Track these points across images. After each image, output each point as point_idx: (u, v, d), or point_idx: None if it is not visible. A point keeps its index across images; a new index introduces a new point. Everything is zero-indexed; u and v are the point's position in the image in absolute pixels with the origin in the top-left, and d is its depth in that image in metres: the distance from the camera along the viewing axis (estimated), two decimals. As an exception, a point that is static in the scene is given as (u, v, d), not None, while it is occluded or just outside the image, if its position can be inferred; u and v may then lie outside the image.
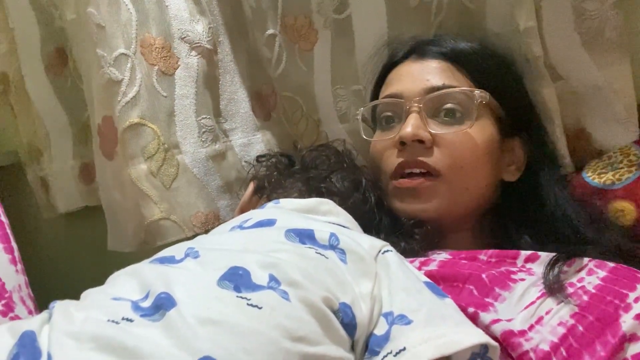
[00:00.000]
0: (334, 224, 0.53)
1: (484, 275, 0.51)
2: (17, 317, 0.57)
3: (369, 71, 0.76)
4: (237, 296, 0.39)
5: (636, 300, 0.47)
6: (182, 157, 0.82)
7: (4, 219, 0.66)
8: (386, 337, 0.41)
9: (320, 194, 0.59)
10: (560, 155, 0.68)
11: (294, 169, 0.64)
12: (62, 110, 1.02)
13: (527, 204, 0.63)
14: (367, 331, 0.43)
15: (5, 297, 0.58)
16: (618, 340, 0.44)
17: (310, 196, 0.58)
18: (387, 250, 0.49)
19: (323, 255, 0.45)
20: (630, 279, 0.50)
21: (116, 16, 0.79)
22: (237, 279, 0.41)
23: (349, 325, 0.42)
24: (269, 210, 0.56)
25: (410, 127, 0.61)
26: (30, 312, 0.59)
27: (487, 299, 0.49)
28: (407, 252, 0.56)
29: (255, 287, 0.40)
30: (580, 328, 0.46)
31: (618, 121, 0.67)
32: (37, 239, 1.17)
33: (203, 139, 0.84)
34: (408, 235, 0.60)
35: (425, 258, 0.56)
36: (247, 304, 0.39)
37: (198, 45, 0.85)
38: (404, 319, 0.42)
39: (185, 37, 0.84)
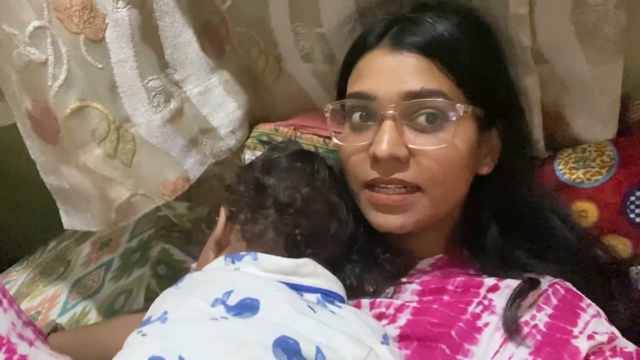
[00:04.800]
0: (315, 289, 0.53)
1: (453, 333, 0.53)
2: (23, 358, 0.59)
3: (337, 39, 0.67)
4: None
5: (580, 332, 0.52)
6: (136, 130, 0.74)
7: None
8: None
9: (295, 244, 0.56)
10: (534, 141, 0.65)
11: (265, 202, 0.58)
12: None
13: (499, 192, 0.61)
14: None
15: (4, 344, 0.59)
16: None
17: (285, 244, 0.57)
18: None
19: None
20: (572, 315, 0.53)
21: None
22: None
23: None
24: (249, 279, 0.53)
25: (385, 143, 0.55)
26: (31, 343, 0.61)
27: (458, 357, 0.52)
28: (383, 283, 0.59)
29: None
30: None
31: (599, 117, 0.63)
32: None
33: (154, 104, 0.75)
34: (382, 267, 0.61)
35: (401, 302, 0.57)
36: None
37: (124, -9, 0.69)
38: None
39: (106, -14, 0.68)
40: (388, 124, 0.56)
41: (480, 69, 0.58)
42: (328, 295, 0.54)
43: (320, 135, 0.81)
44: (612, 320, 0.55)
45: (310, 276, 0.54)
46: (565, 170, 0.66)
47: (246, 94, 0.87)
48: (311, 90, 0.85)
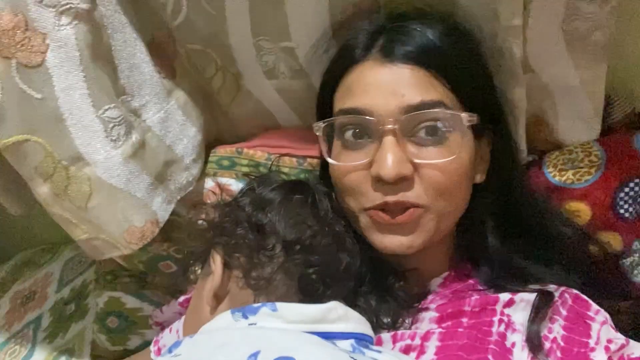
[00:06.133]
0: (348, 334, 0.48)
1: (490, 357, 0.51)
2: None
3: (311, 57, 0.65)
4: None
5: (596, 343, 0.52)
6: (91, 170, 0.62)
7: None
8: None
9: (310, 284, 0.51)
10: (519, 150, 0.66)
11: (268, 242, 0.52)
12: None
13: (494, 200, 0.61)
14: None
15: None
16: None
17: (300, 287, 0.51)
18: None
19: None
20: (583, 326, 0.54)
21: None
22: None
23: None
24: (274, 334, 0.46)
25: (390, 162, 0.52)
26: None
27: None
28: (399, 313, 0.56)
29: None
30: None
31: (583, 120, 0.65)
32: None
33: (113, 137, 0.63)
34: (397, 295, 0.58)
35: (425, 331, 0.55)
36: None
37: (67, 6, 0.58)
38: None
39: (44, 0, 0.57)
40: (389, 140, 0.54)
41: (472, 76, 0.57)
42: (361, 340, 0.49)
43: (292, 155, 0.76)
44: (616, 319, 0.56)
45: (339, 321, 0.48)
46: (555, 172, 0.68)
47: (201, 116, 0.79)
48: (274, 108, 0.79)
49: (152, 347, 0.64)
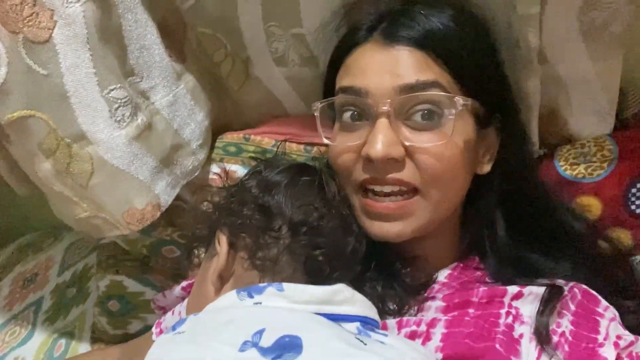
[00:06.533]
0: (353, 317, 0.47)
1: (497, 346, 0.50)
2: None
3: (320, 39, 0.63)
4: None
5: (605, 339, 0.52)
6: (93, 149, 0.62)
7: None
8: None
9: (317, 266, 0.51)
10: (530, 142, 0.65)
11: (274, 224, 0.52)
12: None
13: (501, 192, 0.60)
14: None
15: None
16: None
17: (306, 268, 0.51)
18: None
19: None
20: (592, 322, 0.53)
21: None
22: None
23: None
24: (280, 313, 0.46)
25: (380, 143, 0.52)
26: None
27: None
28: (406, 299, 0.56)
29: None
30: None
31: (598, 113, 0.64)
32: None
33: (117, 118, 0.62)
34: (404, 281, 0.57)
35: (431, 318, 0.54)
36: None
37: (76, -18, 0.58)
38: None
39: (52, -24, 0.56)
40: (382, 122, 0.53)
41: (477, 62, 0.56)
42: (367, 323, 0.49)
43: (299, 142, 0.76)
44: (623, 318, 0.55)
45: (346, 304, 0.48)
46: (566, 166, 0.67)
47: (209, 101, 0.78)
48: (283, 96, 0.78)
49: (155, 329, 0.63)
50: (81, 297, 0.92)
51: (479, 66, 0.56)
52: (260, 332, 0.42)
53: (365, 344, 0.44)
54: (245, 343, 0.41)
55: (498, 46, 0.59)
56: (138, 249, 0.85)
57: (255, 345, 0.41)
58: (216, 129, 0.81)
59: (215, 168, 0.79)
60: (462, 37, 0.55)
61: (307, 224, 0.52)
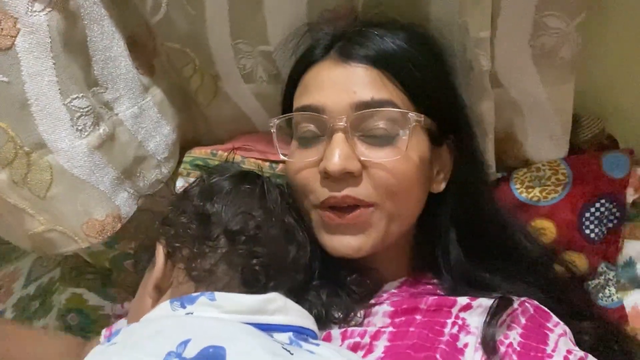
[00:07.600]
0: (286, 327, 0.47)
1: (438, 356, 0.50)
2: None
3: (282, 56, 0.65)
4: None
5: (553, 350, 0.52)
6: (53, 158, 0.61)
7: None
8: None
9: (254, 276, 0.50)
10: (485, 164, 0.66)
11: (212, 233, 0.51)
12: None
13: (454, 211, 0.60)
14: None
15: None
16: None
17: (243, 278, 0.50)
18: None
19: None
20: (541, 334, 0.53)
21: None
22: None
23: None
24: (207, 323, 0.45)
25: (337, 157, 0.53)
26: None
27: None
28: (352, 307, 0.55)
29: None
30: None
31: (552, 137, 0.65)
32: None
33: (79, 127, 0.62)
34: (350, 290, 0.57)
35: (376, 329, 0.54)
36: None
37: (42, -8, 0.59)
38: None
39: (18, -15, 0.57)
40: (339, 137, 0.54)
41: (430, 82, 0.58)
42: (300, 333, 0.48)
43: (264, 160, 0.76)
44: (578, 338, 0.56)
45: (278, 313, 0.48)
46: (522, 189, 0.68)
47: (178, 116, 0.78)
48: (252, 112, 0.79)
49: (104, 332, 0.63)
50: (44, 310, 0.90)
51: (432, 86, 0.58)
52: (185, 343, 0.42)
53: (292, 354, 0.44)
54: (169, 354, 0.41)
55: (452, 68, 0.61)
56: (101, 262, 0.84)
57: (178, 356, 0.41)
58: (187, 144, 0.81)
59: (181, 182, 0.78)
60: (415, 57, 0.57)
61: (244, 233, 0.51)
